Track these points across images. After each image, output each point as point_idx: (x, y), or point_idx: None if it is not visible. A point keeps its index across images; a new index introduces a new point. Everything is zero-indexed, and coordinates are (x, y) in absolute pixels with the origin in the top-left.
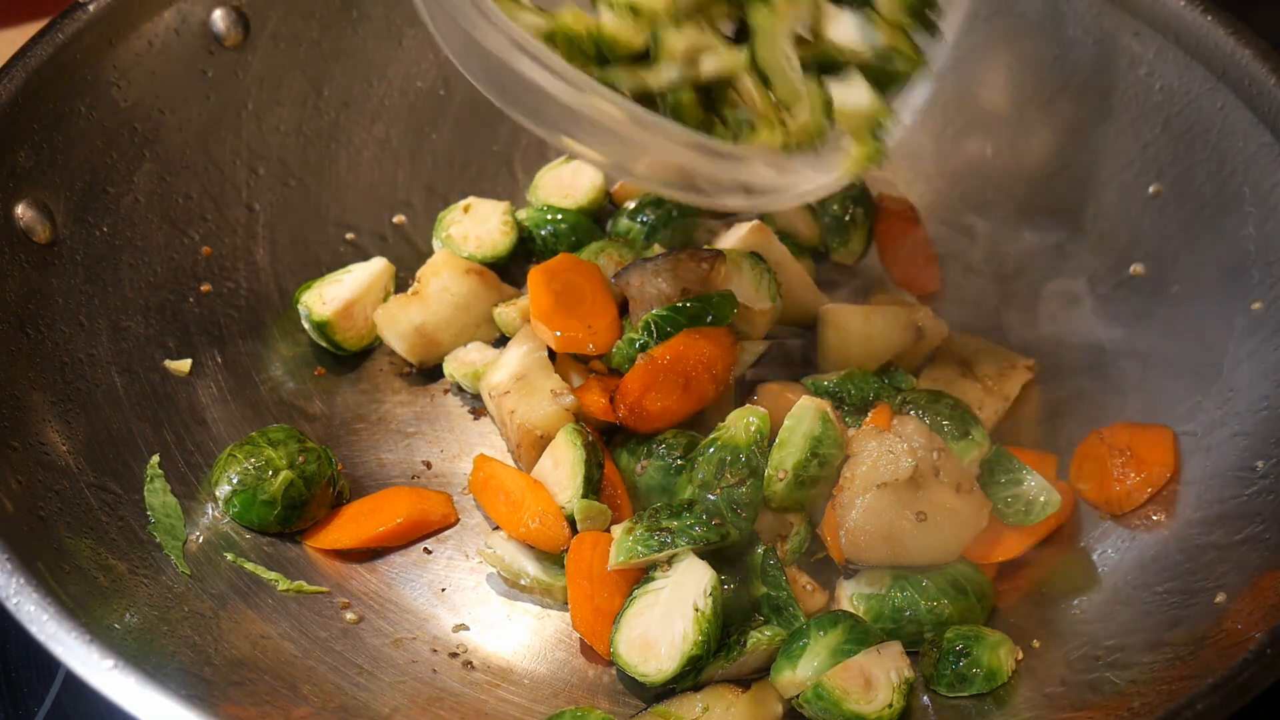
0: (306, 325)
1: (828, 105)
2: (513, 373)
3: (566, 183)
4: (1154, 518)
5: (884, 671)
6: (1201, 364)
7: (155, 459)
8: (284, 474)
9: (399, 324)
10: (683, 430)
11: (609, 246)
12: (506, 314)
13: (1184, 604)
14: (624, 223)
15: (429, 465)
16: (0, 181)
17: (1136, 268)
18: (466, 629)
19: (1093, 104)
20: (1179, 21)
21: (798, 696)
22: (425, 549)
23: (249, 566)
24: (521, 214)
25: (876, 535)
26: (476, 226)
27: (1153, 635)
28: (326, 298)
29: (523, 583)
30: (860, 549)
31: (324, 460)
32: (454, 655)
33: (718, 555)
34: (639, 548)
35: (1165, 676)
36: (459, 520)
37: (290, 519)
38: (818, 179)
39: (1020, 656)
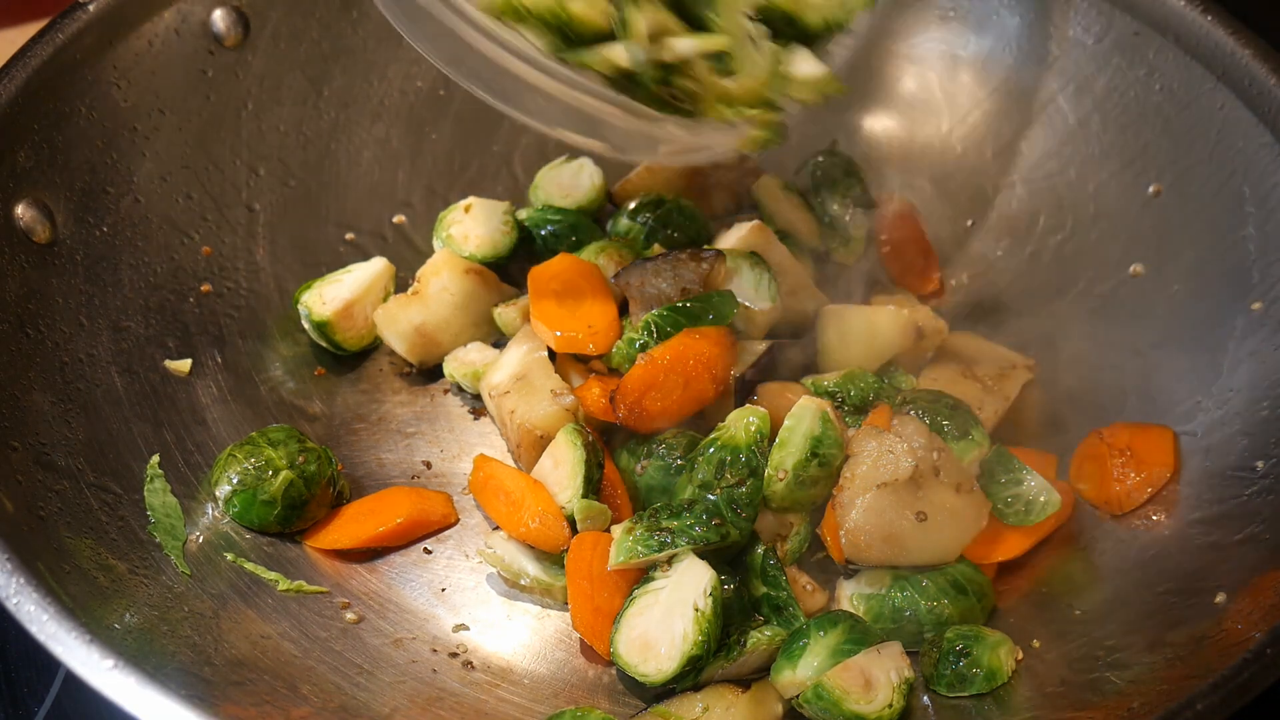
0: (306, 325)
1: (782, 77)
2: (513, 373)
3: (566, 183)
4: (1154, 518)
5: (884, 671)
6: (1201, 364)
7: (155, 459)
8: (284, 474)
9: (399, 324)
10: (683, 430)
11: (609, 246)
12: (506, 314)
13: (1184, 604)
14: (624, 223)
15: (429, 465)
16: (0, 181)
17: (1136, 268)
18: (466, 629)
19: (1093, 104)
20: (1179, 21)
21: (798, 696)
22: (425, 549)
23: (249, 566)
24: (521, 214)
25: (876, 535)
26: (477, 226)
27: (1153, 635)
28: (326, 298)
29: (523, 583)
30: (860, 549)
31: (324, 460)
32: (454, 655)
33: (718, 555)
34: (639, 548)
35: (1165, 676)
36: (459, 520)
37: (290, 519)
38: (722, 140)
39: (1020, 656)
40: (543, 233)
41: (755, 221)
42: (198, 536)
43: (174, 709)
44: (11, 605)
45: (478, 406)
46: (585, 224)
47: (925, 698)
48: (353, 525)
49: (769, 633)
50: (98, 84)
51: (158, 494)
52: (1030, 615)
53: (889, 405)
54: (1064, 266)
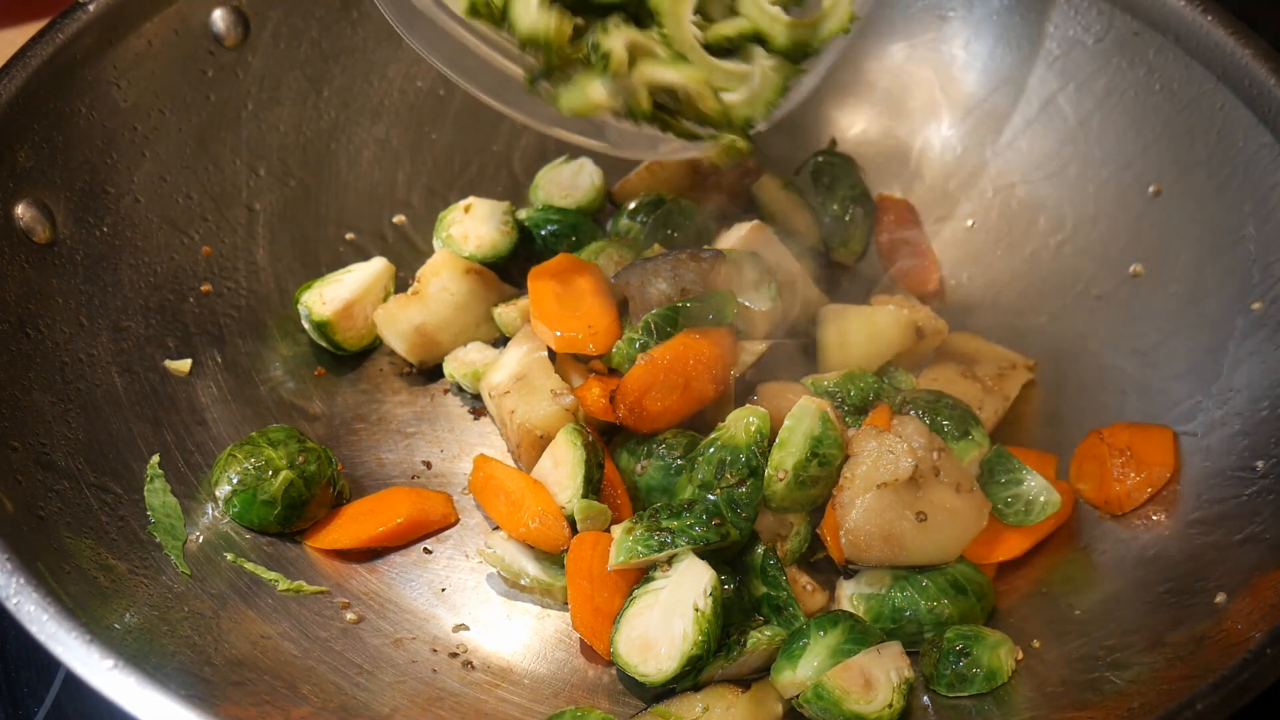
0: (306, 325)
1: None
2: (513, 373)
3: (566, 183)
4: (1154, 518)
5: (884, 671)
6: (1201, 364)
7: (155, 459)
8: (284, 474)
9: (399, 324)
10: (683, 430)
11: (609, 246)
12: (506, 314)
13: (1184, 604)
14: (624, 223)
15: (429, 465)
16: (0, 181)
17: (1136, 268)
18: (466, 629)
19: (1093, 104)
20: (1179, 21)
21: (798, 696)
22: (425, 549)
23: (249, 566)
24: (521, 214)
25: (876, 535)
26: (477, 226)
27: (1153, 635)
28: (326, 298)
29: (523, 583)
30: (860, 549)
31: (324, 460)
32: (454, 655)
33: (718, 555)
34: (639, 548)
35: (1165, 676)
36: (459, 520)
37: (290, 519)
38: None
39: (1020, 656)
40: (543, 233)
41: (755, 221)
42: (198, 536)
43: (174, 709)
44: (11, 605)
45: (478, 406)
46: (585, 224)
47: (925, 698)
48: (353, 525)
49: (769, 633)
50: (98, 84)
51: (158, 494)
52: (1030, 615)
53: (889, 405)
54: (1064, 266)
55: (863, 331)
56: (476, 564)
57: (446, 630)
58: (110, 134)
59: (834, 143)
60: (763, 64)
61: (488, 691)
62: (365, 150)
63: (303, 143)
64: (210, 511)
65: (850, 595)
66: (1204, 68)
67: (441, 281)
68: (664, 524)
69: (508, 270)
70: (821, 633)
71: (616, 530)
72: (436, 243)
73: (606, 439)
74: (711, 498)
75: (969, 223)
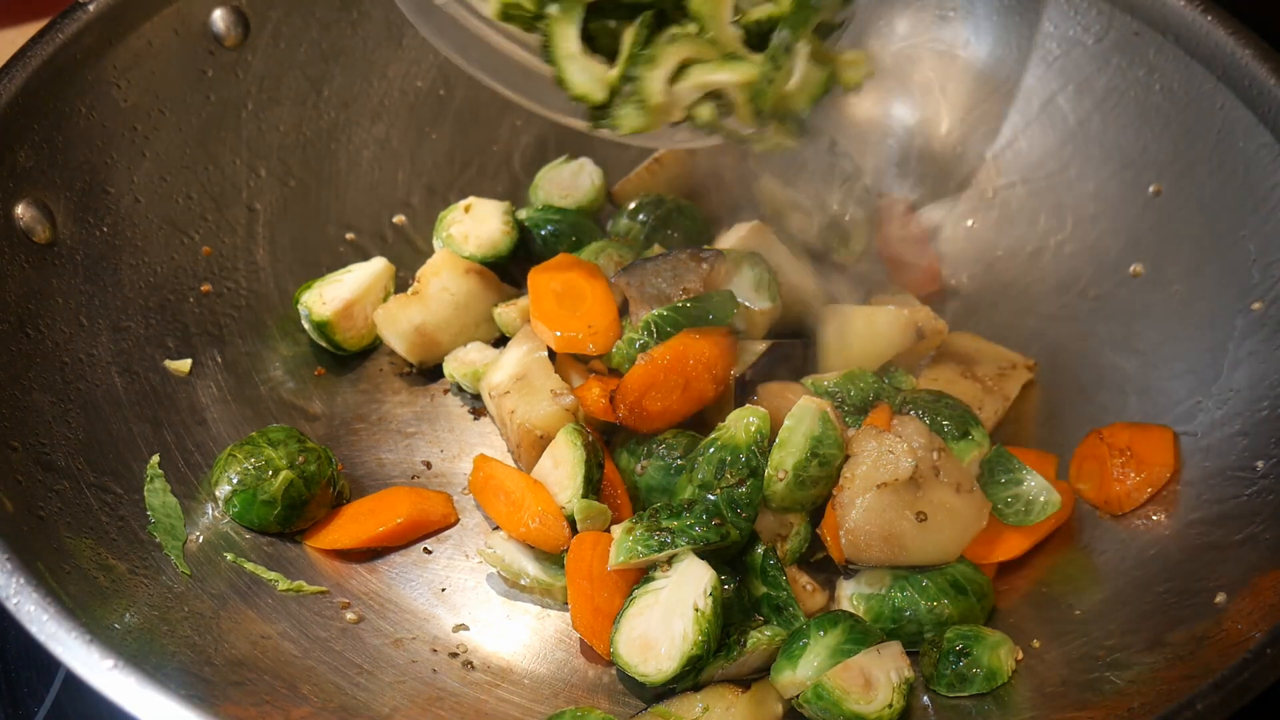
0: (306, 325)
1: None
2: (513, 373)
3: (566, 183)
4: (1154, 518)
5: (884, 671)
6: (1201, 364)
7: (155, 459)
8: (284, 474)
9: (399, 324)
10: (683, 430)
11: (609, 246)
12: (506, 314)
13: (1184, 604)
14: (624, 223)
15: (429, 465)
16: (0, 181)
17: (1136, 268)
18: (466, 629)
19: (1093, 104)
20: (1179, 21)
21: (798, 696)
22: (425, 549)
23: (249, 566)
24: (521, 214)
25: (876, 535)
26: (477, 226)
27: (1153, 635)
28: (326, 298)
29: (523, 583)
30: (860, 549)
31: (324, 460)
32: (454, 655)
33: (718, 555)
34: (639, 548)
35: (1165, 676)
36: (459, 520)
37: (290, 519)
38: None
39: (1020, 656)
40: (543, 233)
41: (755, 221)
42: (198, 536)
43: (174, 709)
44: (11, 605)
45: (478, 406)
46: (585, 224)
47: (925, 698)
48: (353, 525)
49: (769, 633)
50: (98, 84)
51: (158, 494)
52: (1030, 615)
53: (889, 405)
54: (1064, 266)
55: (863, 331)
56: (476, 564)
57: (446, 630)
58: (110, 134)
59: (834, 143)
60: (801, 54)
61: (488, 691)
62: (365, 150)
63: (303, 143)
64: (210, 511)
65: (850, 595)
66: (1204, 68)
67: (441, 281)
68: (664, 524)
69: (508, 270)
70: (821, 633)
71: (616, 530)
72: (436, 243)
73: (606, 439)
74: (711, 498)
75: (969, 223)
